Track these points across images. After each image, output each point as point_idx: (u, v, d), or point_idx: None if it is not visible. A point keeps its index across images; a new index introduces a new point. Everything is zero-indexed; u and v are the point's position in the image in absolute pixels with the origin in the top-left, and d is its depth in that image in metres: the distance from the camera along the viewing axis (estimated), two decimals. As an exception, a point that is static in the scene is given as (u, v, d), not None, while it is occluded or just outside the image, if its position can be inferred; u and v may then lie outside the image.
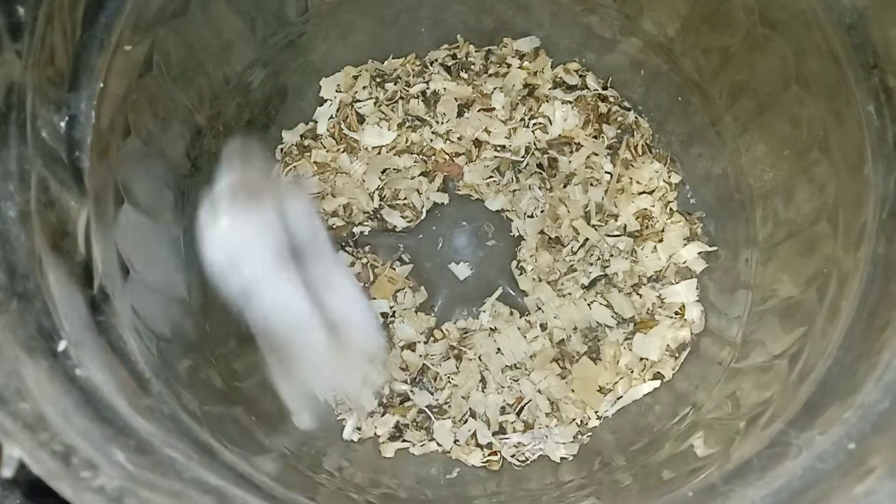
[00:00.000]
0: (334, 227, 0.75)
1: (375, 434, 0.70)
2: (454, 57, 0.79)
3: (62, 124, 0.45)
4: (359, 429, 0.70)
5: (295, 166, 0.76)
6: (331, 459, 0.67)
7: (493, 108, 0.78)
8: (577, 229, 0.75)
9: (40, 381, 0.37)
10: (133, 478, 0.37)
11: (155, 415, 0.44)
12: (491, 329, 0.73)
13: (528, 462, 0.69)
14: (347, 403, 0.71)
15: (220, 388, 0.60)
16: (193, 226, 0.57)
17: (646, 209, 0.75)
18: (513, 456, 0.69)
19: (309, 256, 0.56)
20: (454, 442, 0.70)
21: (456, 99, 0.78)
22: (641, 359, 0.72)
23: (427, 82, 0.79)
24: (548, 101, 0.78)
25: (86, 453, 0.35)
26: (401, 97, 0.78)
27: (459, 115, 0.78)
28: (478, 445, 0.70)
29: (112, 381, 0.41)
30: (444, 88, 0.78)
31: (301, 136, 0.78)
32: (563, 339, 0.73)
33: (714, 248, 0.73)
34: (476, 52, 0.79)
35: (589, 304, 0.73)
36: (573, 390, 0.71)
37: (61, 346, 0.39)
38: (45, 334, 0.39)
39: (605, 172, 0.76)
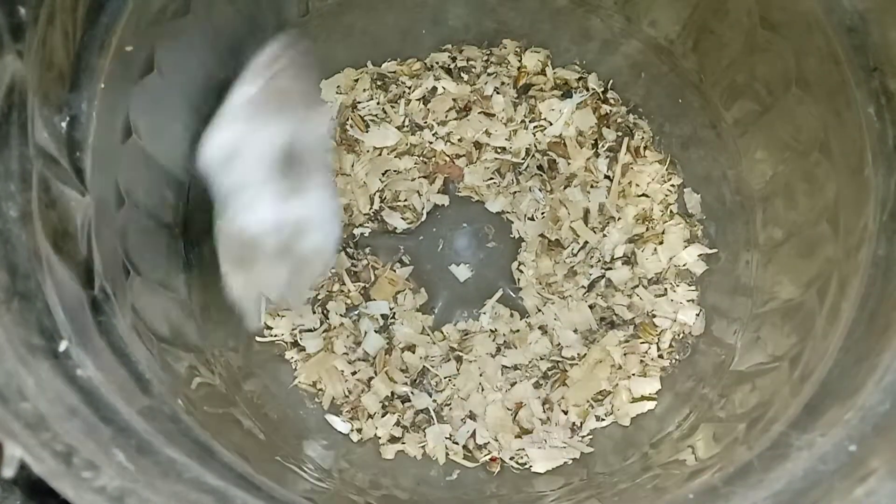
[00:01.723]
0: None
1: (375, 435, 0.70)
2: (454, 59, 0.79)
3: (63, 124, 0.45)
4: (359, 430, 0.70)
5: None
6: (331, 461, 0.67)
7: (494, 110, 0.78)
8: (577, 231, 0.75)
9: (41, 381, 0.37)
10: (133, 478, 0.37)
11: (155, 415, 0.44)
12: (491, 331, 0.73)
13: (528, 464, 0.69)
14: (284, 304, 0.71)
15: (221, 388, 0.60)
16: (195, 229, 0.57)
17: (646, 211, 0.75)
18: (511, 458, 0.69)
19: (302, 172, 0.56)
20: (453, 443, 0.70)
21: (456, 101, 0.78)
22: (641, 360, 0.72)
23: (427, 84, 0.79)
24: (548, 103, 0.78)
25: (87, 453, 0.35)
26: (401, 99, 0.78)
27: (460, 116, 0.78)
28: (477, 447, 0.70)
29: (113, 381, 0.41)
30: (445, 90, 0.78)
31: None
32: (562, 342, 0.73)
33: (714, 251, 0.73)
34: (476, 53, 0.79)
35: (589, 307, 0.73)
36: (573, 392, 0.71)
37: (62, 346, 0.39)
38: (45, 334, 0.39)
39: (606, 175, 0.76)
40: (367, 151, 0.77)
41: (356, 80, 0.78)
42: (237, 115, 0.54)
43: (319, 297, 0.74)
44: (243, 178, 0.54)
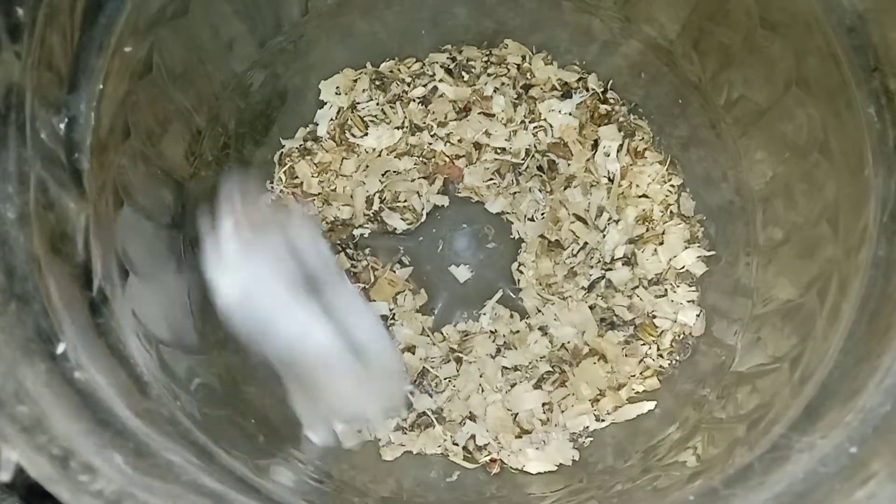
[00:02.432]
0: (335, 229, 0.75)
1: (375, 437, 0.70)
2: (454, 59, 0.79)
3: (61, 126, 0.45)
4: (359, 431, 0.70)
5: (293, 192, 0.76)
6: (331, 463, 0.67)
7: (493, 111, 0.78)
8: (576, 232, 0.75)
9: (39, 383, 0.37)
10: (131, 481, 0.36)
11: (154, 418, 0.44)
12: (491, 332, 0.73)
13: (527, 466, 0.69)
14: (367, 428, 0.70)
15: (219, 390, 0.60)
16: (194, 230, 0.57)
17: (646, 212, 0.75)
18: (511, 459, 0.69)
19: (322, 284, 0.56)
20: (453, 444, 0.70)
21: (456, 101, 0.78)
22: (641, 361, 0.72)
23: (427, 84, 0.79)
24: (548, 104, 0.78)
25: (84, 457, 0.35)
26: (400, 99, 0.78)
27: (459, 117, 0.78)
28: (477, 448, 0.70)
29: (111, 383, 0.41)
30: (444, 91, 0.78)
31: (303, 138, 0.78)
32: (563, 343, 0.73)
33: (714, 252, 0.73)
34: (476, 53, 0.79)
35: (589, 307, 0.73)
36: (573, 393, 0.71)
37: (60, 348, 0.39)
38: (43, 336, 0.39)
39: (605, 175, 0.76)
40: (367, 152, 0.77)
41: (355, 81, 0.78)
42: (232, 265, 0.54)
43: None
44: (270, 310, 0.53)
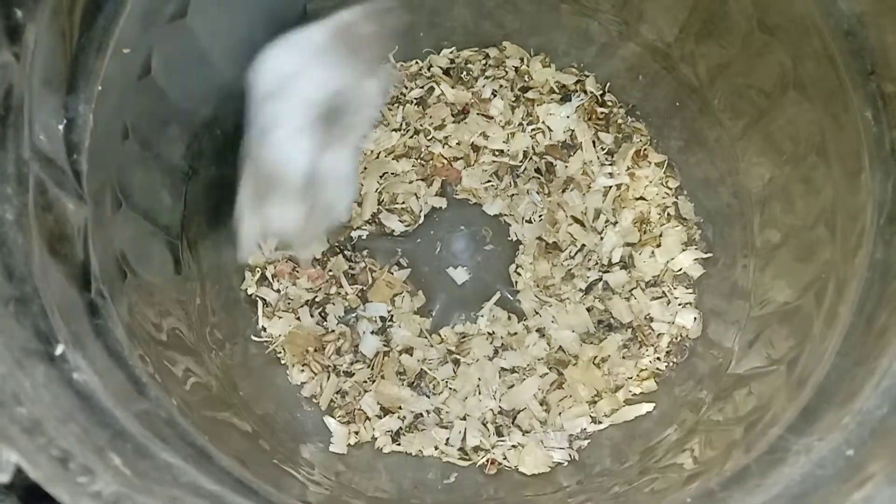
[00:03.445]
0: (332, 230, 0.75)
1: (373, 437, 0.70)
2: (452, 61, 0.79)
3: (60, 127, 0.45)
4: (357, 433, 0.70)
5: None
6: (328, 464, 0.67)
7: (491, 113, 0.78)
8: (574, 234, 0.75)
9: (37, 385, 0.37)
10: (130, 482, 0.36)
11: (152, 419, 0.44)
12: (489, 334, 0.73)
13: (525, 467, 0.69)
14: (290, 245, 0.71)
15: (218, 392, 0.60)
16: (192, 231, 0.56)
17: (643, 214, 0.75)
18: (508, 461, 0.69)
19: (344, 121, 0.56)
20: (451, 446, 0.70)
21: (454, 103, 0.78)
22: (638, 363, 0.72)
23: (425, 86, 0.79)
24: (546, 106, 0.78)
25: (83, 458, 0.35)
26: (399, 101, 0.78)
27: (457, 119, 0.78)
28: (474, 450, 0.70)
29: (109, 384, 0.41)
30: (443, 93, 0.78)
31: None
32: (560, 345, 0.73)
33: (711, 254, 0.73)
34: (474, 56, 0.79)
35: (587, 310, 0.73)
36: (570, 395, 0.71)
37: (58, 349, 0.39)
38: (42, 338, 0.39)
39: (603, 178, 0.76)
40: (365, 154, 0.77)
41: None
42: (301, 48, 0.54)
43: (318, 300, 0.74)
44: (286, 116, 0.53)
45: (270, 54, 0.54)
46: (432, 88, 0.78)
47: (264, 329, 0.72)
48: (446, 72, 0.79)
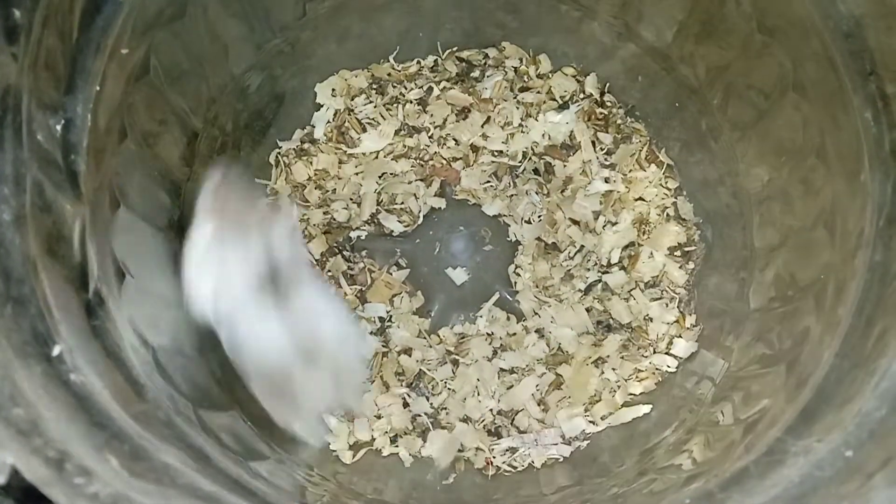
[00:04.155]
0: (331, 231, 0.75)
1: (372, 438, 0.70)
2: (452, 62, 0.79)
3: (58, 128, 0.45)
4: (356, 433, 0.70)
5: (275, 191, 0.75)
6: (326, 465, 0.67)
7: (491, 113, 0.78)
8: (573, 235, 0.75)
9: (34, 386, 0.37)
10: (127, 484, 0.36)
11: (149, 420, 0.44)
12: (488, 334, 0.73)
13: (523, 468, 0.69)
14: (343, 412, 0.70)
15: (216, 392, 0.60)
16: (189, 229, 0.56)
17: (642, 215, 0.75)
18: (506, 462, 0.69)
19: (288, 282, 0.55)
20: (450, 447, 0.70)
21: (453, 104, 0.78)
22: (637, 364, 0.72)
23: (424, 87, 0.79)
24: (545, 107, 0.78)
25: (79, 459, 0.35)
26: (398, 102, 0.78)
27: (457, 120, 0.78)
28: (473, 451, 0.70)
29: (106, 386, 0.41)
30: (442, 93, 0.78)
31: (300, 140, 0.78)
32: (559, 345, 0.73)
33: (710, 255, 0.73)
34: (474, 56, 0.79)
35: (586, 310, 0.73)
36: (569, 396, 0.71)
37: (56, 350, 0.39)
38: (39, 339, 0.39)
39: (602, 178, 0.76)
40: (364, 154, 0.77)
41: (352, 84, 0.78)
42: (205, 258, 0.53)
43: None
44: (233, 309, 0.52)
45: (190, 286, 0.52)
46: (431, 89, 0.78)
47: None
48: (445, 72, 0.79)
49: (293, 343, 0.54)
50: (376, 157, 0.77)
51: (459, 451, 0.70)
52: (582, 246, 0.75)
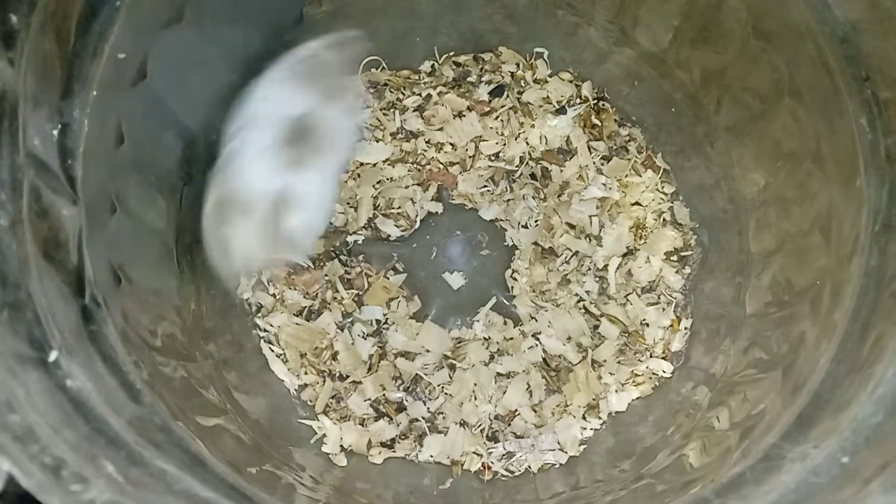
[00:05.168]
0: (328, 235, 0.75)
1: (368, 443, 0.70)
2: (449, 66, 0.79)
3: (55, 132, 0.45)
4: (351, 438, 0.70)
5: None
6: (323, 469, 0.67)
7: (488, 118, 0.78)
8: (570, 240, 0.75)
9: (30, 391, 0.37)
10: (123, 490, 0.36)
11: (146, 426, 0.43)
12: (484, 339, 0.73)
13: (520, 473, 0.69)
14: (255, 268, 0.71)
15: (213, 398, 0.60)
16: (187, 236, 0.56)
17: (639, 220, 0.75)
18: (503, 467, 0.69)
19: (311, 142, 0.55)
20: (447, 452, 0.70)
21: (450, 108, 0.78)
22: (634, 369, 0.72)
23: (421, 92, 0.79)
24: (542, 111, 0.78)
25: (76, 466, 0.35)
26: (395, 107, 0.78)
27: (454, 124, 0.78)
28: (470, 455, 0.70)
29: (103, 391, 0.41)
30: (439, 98, 0.78)
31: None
32: (556, 350, 0.73)
33: (707, 260, 0.73)
34: (471, 61, 0.79)
35: (582, 315, 0.73)
36: (565, 400, 0.71)
37: (52, 356, 0.39)
38: (35, 344, 0.39)
39: (599, 183, 0.77)
40: (362, 164, 0.77)
41: (350, 88, 0.78)
42: (268, 78, 0.54)
43: (314, 305, 0.74)
44: (250, 139, 0.53)
45: (249, 95, 0.54)
46: (429, 94, 0.78)
47: (260, 333, 0.72)
48: (442, 77, 0.79)
49: (265, 195, 0.54)
50: (373, 164, 0.77)
51: (457, 455, 0.70)
52: (578, 251, 0.75)
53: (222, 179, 0.55)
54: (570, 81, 0.79)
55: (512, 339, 0.73)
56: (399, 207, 0.76)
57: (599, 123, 0.78)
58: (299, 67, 0.54)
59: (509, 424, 0.71)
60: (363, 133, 0.75)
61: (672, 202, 0.76)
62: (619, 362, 0.72)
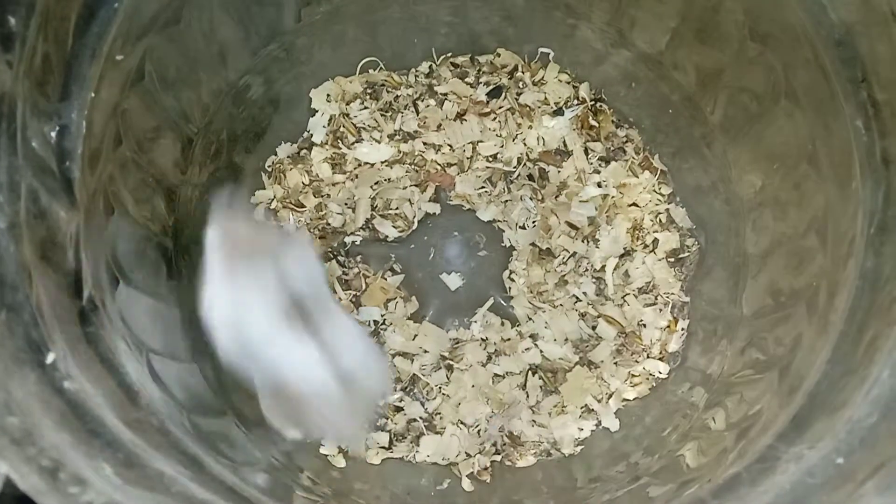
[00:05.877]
0: (326, 236, 0.75)
1: (366, 444, 0.70)
2: (447, 68, 0.79)
3: (53, 134, 0.45)
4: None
5: (275, 212, 0.75)
6: (320, 470, 0.67)
7: (486, 119, 0.78)
8: (567, 241, 0.75)
9: (28, 394, 0.37)
10: (121, 492, 0.36)
11: (144, 427, 0.44)
12: (482, 339, 0.73)
13: (517, 473, 0.69)
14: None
15: (210, 399, 0.60)
16: (185, 238, 0.56)
17: (636, 221, 0.76)
18: (498, 465, 0.69)
19: (311, 308, 0.54)
20: (444, 452, 0.70)
21: (448, 109, 0.78)
22: (631, 370, 0.72)
23: (419, 93, 0.79)
24: (539, 113, 0.78)
25: (73, 468, 0.35)
26: (392, 108, 0.79)
27: (451, 125, 0.78)
28: (467, 456, 0.70)
29: (100, 393, 0.41)
30: (437, 99, 0.78)
31: (296, 146, 0.78)
32: (553, 350, 0.73)
33: (703, 261, 0.73)
34: (468, 62, 0.79)
35: (580, 315, 0.73)
36: (563, 401, 0.71)
37: (49, 358, 0.39)
38: (33, 346, 0.39)
39: (596, 184, 0.77)
40: (360, 162, 0.77)
41: (347, 89, 0.78)
42: (220, 295, 0.52)
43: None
44: (263, 338, 0.51)
45: (207, 304, 0.50)
46: (426, 95, 0.79)
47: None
48: (440, 78, 0.79)
49: (328, 369, 0.53)
50: (372, 165, 0.77)
51: (454, 455, 0.70)
52: (576, 252, 0.75)
53: (266, 389, 0.53)
54: (568, 83, 0.79)
55: (509, 339, 0.73)
56: (397, 208, 0.76)
57: (597, 125, 0.78)
58: (232, 263, 0.51)
59: (507, 425, 0.71)
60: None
61: (669, 203, 0.76)
62: (616, 363, 0.72)
